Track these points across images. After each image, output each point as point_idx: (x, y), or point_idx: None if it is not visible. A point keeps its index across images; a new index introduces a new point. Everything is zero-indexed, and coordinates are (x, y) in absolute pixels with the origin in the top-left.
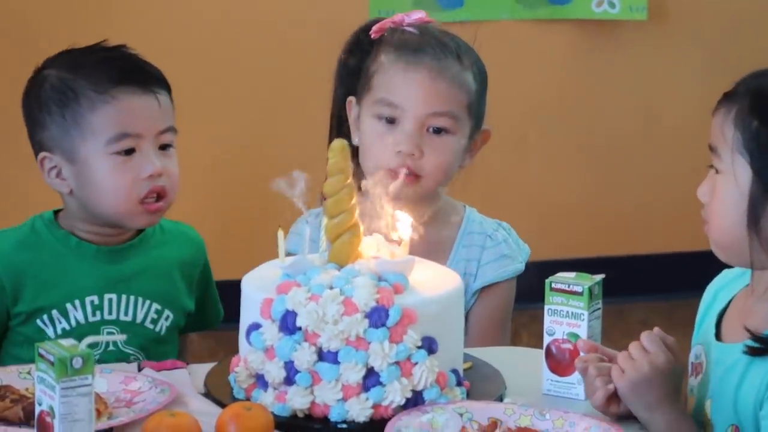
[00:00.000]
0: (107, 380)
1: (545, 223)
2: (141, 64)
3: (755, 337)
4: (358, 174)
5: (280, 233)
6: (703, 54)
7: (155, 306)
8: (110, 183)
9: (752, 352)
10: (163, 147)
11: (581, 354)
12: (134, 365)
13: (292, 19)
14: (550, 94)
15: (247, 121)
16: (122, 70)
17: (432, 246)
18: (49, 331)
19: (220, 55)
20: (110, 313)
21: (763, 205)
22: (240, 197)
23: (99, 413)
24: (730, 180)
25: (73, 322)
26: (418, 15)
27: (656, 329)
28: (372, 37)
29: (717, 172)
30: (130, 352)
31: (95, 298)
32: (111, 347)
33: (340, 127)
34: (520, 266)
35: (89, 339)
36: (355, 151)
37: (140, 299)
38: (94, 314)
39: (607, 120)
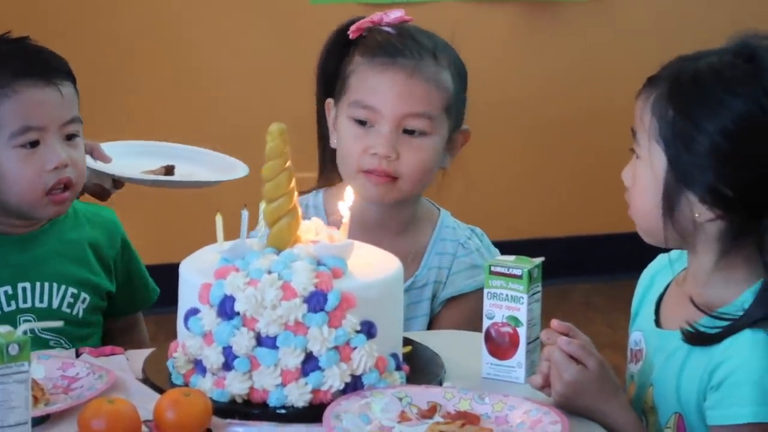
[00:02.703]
0: (45, 366)
1: (485, 204)
2: (43, 56)
3: (694, 325)
4: (336, 176)
5: (219, 217)
6: (644, 34)
7: (71, 290)
8: (15, 175)
9: (690, 340)
10: (69, 137)
11: (550, 329)
12: (72, 351)
13: (232, 6)
14: (491, 75)
15: (186, 107)
16: (23, 62)
17: (404, 253)
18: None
19: (161, 45)
20: (25, 301)
21: (677, 194)
22: None
23: (36, 400)
24: (647, 166)
25: None
26: (396, 14)
27: (561, 339)
28: (350, 37)
29: (637, 157)
30: (48, 337)
31: (8, 289)
32: (28, 333)
33: (321, 129)
34: None
35: (25, 326)
36: (333, 154)
37: (55, 285)
38: (9, 304)
39: (548, 101)
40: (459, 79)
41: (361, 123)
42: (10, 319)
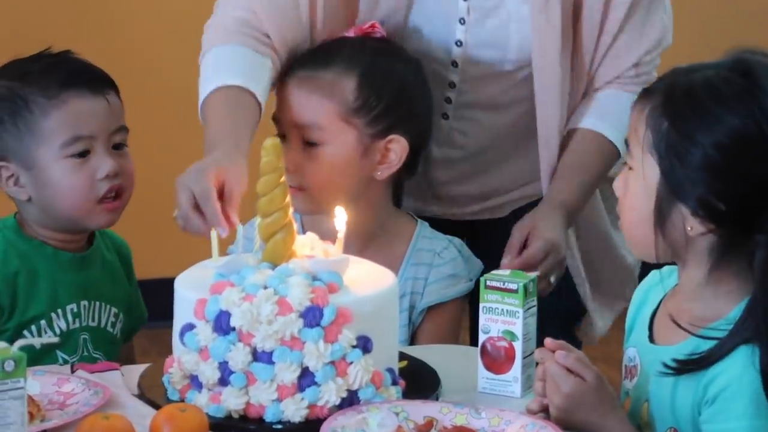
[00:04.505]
0: (40, 382)
1: None
2: (87, 66)
3: (675, 360)
4: None
5: (214, 233)
6: None
7: (113, 310)
8: (68, 185)
9: (680, 371)
10: (117, 146)
11: (544, 347)
12: (67, 367)
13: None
14: None
15: (177, 117)
16: (69, 73)
17: (380, 264)
18: (35, 342)
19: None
20: (84, 320)
21: (669, 207)
22: (173, 194)
23: (32, 416)
24: (639, 177)
25: (57, 331)
26: (364, 26)
27: (558, 353)
28: None
29: (630, 168)
30: (98, 356)
31: (74, 306)
32: (84, 352)
33: None
34: (468, 285)
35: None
36: None
37: (104, 304)
38: (74, 322)
39: None
40: (374, 86)
41: (283, 137)
42: (75, 337)
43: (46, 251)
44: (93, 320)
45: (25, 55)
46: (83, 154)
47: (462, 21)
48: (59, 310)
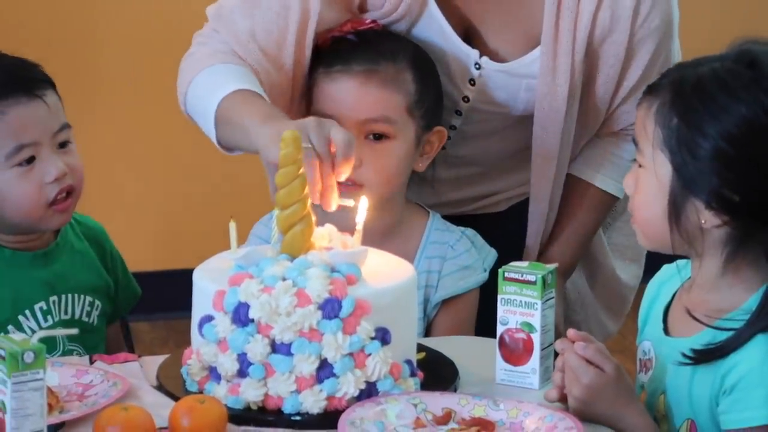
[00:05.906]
0: (59, 374)
1: None
2: (20, 70)
3: (693, 350)
4: None
5: (232, 224)
6: None
7: (88, 299)
8: (17, 194)
9: (697, 361)
10: (62, 145)
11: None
12: (86, 358)
13: None
14: None
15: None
16: (4, 81)
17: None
18: (55, 334)
19: (165, 45)
20: (56, 315)
21: (683, 201)
22: (193, 186)
23: (51, 407)
24: (651, 175)
25: (29, 333)
26: (367, 22)
27: (578, 344)
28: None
29: (639, 165)
30: (73, 347)
31: (43, 304)
32: (65, 347)
33: None
34: (482, 276)
35: (41, 333)
36: None
37: (76, 295)
38: (45, 320)
39: None
40: (424, 78)
41: None
42: (50, 336)
43: (4, 254)
44: (66, 313)
45: None
46: (29, 161)
47: (472, 82)
48: (27, 312)
